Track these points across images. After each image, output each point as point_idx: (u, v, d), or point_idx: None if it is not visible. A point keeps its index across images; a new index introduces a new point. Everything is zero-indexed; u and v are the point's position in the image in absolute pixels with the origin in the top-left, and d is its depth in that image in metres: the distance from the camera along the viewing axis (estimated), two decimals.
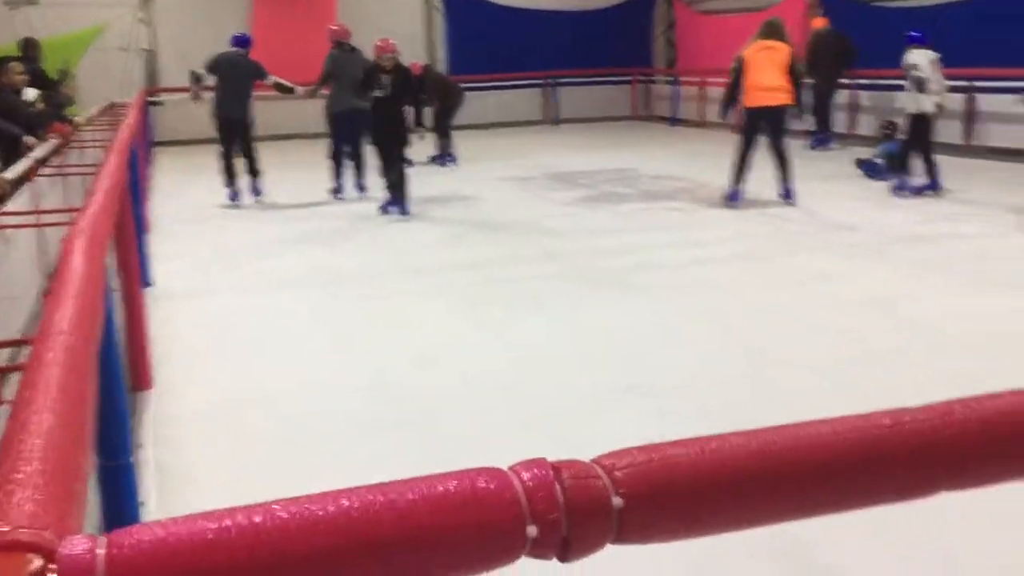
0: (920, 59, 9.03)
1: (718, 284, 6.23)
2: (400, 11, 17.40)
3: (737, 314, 5.59)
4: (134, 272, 4.56)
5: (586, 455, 0.96)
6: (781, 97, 8.80)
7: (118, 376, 2.37)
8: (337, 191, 10.20)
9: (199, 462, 3.70)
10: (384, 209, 9.08)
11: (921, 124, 9.02)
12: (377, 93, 8.78)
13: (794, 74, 8.86)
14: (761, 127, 8.89)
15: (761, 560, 2.81)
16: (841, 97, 13.85)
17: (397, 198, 8.98)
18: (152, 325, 5.07)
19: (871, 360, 4.70)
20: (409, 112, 9.00)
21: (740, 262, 6.89)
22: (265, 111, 16.30)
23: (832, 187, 10.05)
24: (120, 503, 2.40)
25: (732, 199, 9.01)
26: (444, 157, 12.90)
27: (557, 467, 0.89)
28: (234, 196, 10.01)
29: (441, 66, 18.15)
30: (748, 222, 8.35)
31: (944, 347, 4.92)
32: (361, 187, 10.18)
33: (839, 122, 13.92)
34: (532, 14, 18.27)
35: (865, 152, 11.12)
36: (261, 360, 4.98)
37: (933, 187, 9.15)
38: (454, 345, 5.15)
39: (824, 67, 13.02)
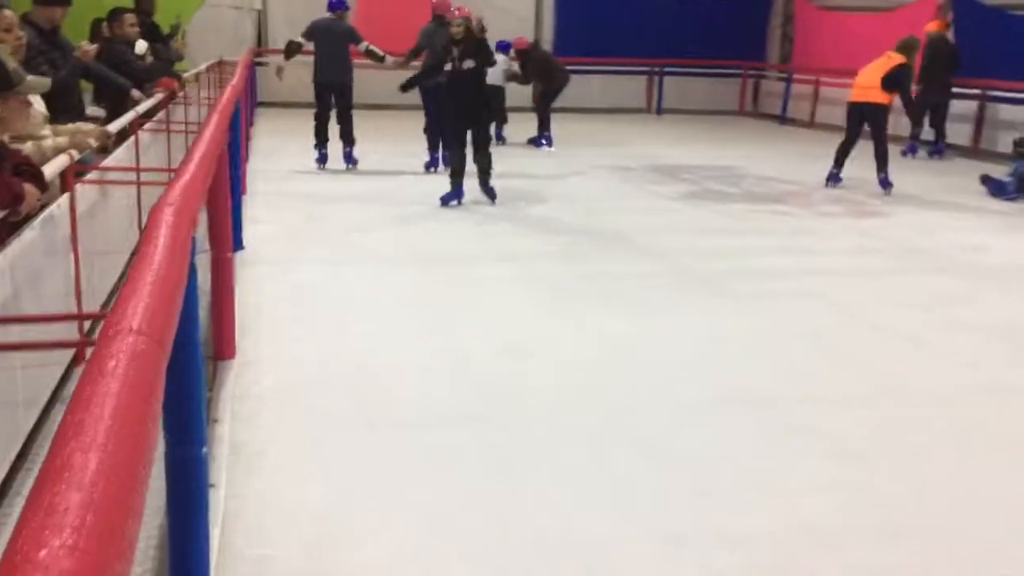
0: None
1: (827, 298, 5.85)
2: None
3: (847, 333, 5.23)
4: (226, 237, 4.45)
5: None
6: (872, 95, 9.53)
7: (197, 362, 2.20)
8: (432, 165, 10.14)
9: (274, 442, 3.56)
10: (446, 201, 8.29)
11: None
12: (447, 67, 8.23)
13: (892, 79, 9.42)
14: (859, 121, 9.75)
15: None
16: (964, 108, 13.12)
17: (486, 185, 8.38)
18: (239, 291, 4.99)
19: (996, 394, 4.32)
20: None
21: (852, 276, 6.48)
22: (366, 80, 16.43)
23: (954, 202, 9.47)
24: (188, 489, 2.25)
25: (829, 181, 10.03)
26: (541, 139, 12.65)
27: None
28: (323, 159, 10.05)
29: (548, 46, 17.89)
30: (862, 234, 7.90)
31: None
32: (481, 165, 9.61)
33: (961, 134, 13.20)
34: None
35: (989, 167, 10.48)
36: (345, 336, 4.84)
37: None
38: (543, 338, 4.92)
39: (935, 74, 12.38)
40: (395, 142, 11.98)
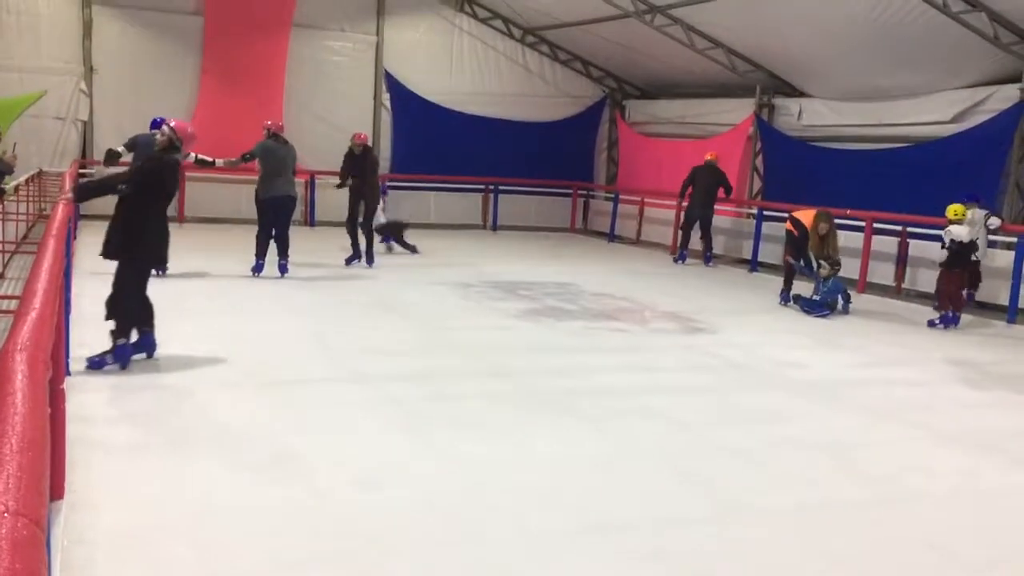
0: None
1: (668, 416, 6.05)
2: (347, 105, 17.40)
3: (689, 451, 5.41)
4: (60, 366, 4.17)
5: None
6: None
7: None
8: (257, 269, 10.85)
9: None
10: (348, 262, 11.72)
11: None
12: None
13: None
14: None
15: None
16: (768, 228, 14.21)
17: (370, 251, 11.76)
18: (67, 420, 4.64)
19: (829, 510, 4.55)
20: None
21: (689, 394, 6.75)
22: (199, 193, 16.12)
23: (771, 318, 10.12)
24: None
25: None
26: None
27: None
28: None
29: (385, 164, 18.15)
30: (693, 351, 8.27)
31: (900, 503, 4.80)
32: (283, 268, 10.83)
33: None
34: (478, 120, 18.47)
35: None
36: (185, 472, 4.57)
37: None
38: (397, 466, 4.83)
39: (703, 194, 14.62)
40: (226, 253, 11.72)
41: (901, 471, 5.28)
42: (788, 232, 10.89)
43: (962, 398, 7.09)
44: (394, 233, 14.29)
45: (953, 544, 4.27)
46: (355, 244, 12.16)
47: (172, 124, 6.74)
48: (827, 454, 5.46)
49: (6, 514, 1.20)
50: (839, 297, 10.49)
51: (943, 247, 10.04)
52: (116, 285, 6.29)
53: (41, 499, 1.34)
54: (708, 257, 14.82)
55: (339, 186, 12.38)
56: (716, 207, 15.19)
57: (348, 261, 12.16)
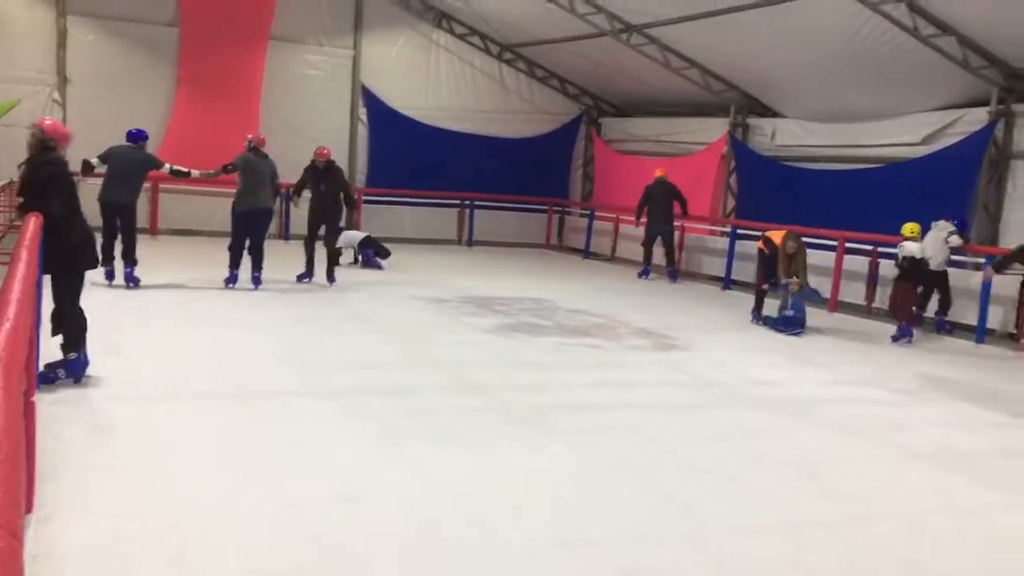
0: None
1: (642, 433, 6.08)
2: (324, 119, 17.40)
3: (662, 467, 5.43)
4: (32, 377, 4.12)
5: None
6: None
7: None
8: (231, 280, 10.93)
9: None
10: (300, 279, 11.53)
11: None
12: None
13: None
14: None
15: None
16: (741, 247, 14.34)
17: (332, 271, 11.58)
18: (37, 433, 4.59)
19: (801, 530, 4.58)
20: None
21: (663, 410, 6.78)
22: (173, 205, 16.02)
23: (742, 335, 10.20)
24: None
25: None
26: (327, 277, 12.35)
27: None
28: (109, 276, 10.43)
29: (361, 177, 18.15)
30: (667, 367, 8.32)
31: (872, 520, 4.84)
32: (257, 280, 10.92)
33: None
34: (455, 136, 18.53)
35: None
36: (157, 485, 4.53)
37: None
38: (374, 480, 4.81)
39: (658, 209, 14.91)
40: (197, 264, 11.66)
41: (872, 489, 5.33)
42: (760, 251, 11.01)
43: (932, 416, 7.17)
44: (375, 247, 14.29)
45: (925, 562, 4.31)
46: (309, 262, 11.78)
47: (43, 124, 6.32)
48: (799, 471, 5.50)
49: None
50: (809, 300, 10.78)
51: (896, 264, 10.53)
52: (55, 299, 6.13)
53: (18, 511, 1.33)
54: (672, 272, 15.05)
55: (293, 202, 12.43)
56: (691, 225, 15.33)
57: (299, 278, 11.81)
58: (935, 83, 12.22)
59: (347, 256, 14.04)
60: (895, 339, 10.32)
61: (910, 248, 10.30)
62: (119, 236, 10.37)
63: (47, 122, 6.43)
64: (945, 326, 11.12)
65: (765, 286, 10.92)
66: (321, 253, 11.82)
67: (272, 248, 11.74)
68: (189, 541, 3.90)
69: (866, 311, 12.30)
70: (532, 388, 7.15)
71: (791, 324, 10.43)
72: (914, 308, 10.71)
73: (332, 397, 6.51)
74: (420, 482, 4.86)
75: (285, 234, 16.39)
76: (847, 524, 4.73)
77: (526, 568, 3.88)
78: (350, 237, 14.13)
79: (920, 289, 10.74)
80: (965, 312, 11.07)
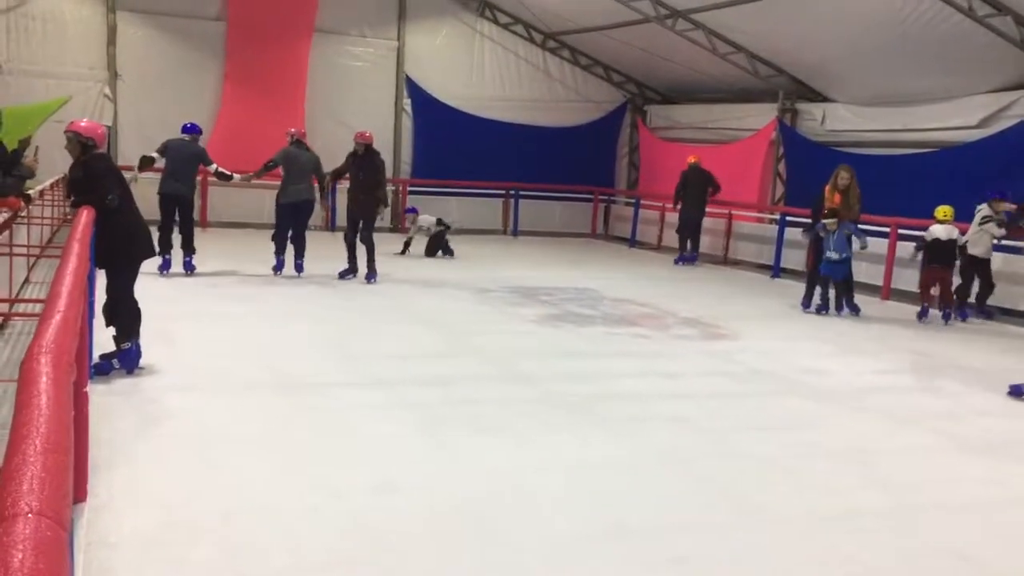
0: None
1: (691, 423, 6.02)
2: (368, 110, 17.45)
3: (710, 457, 5.37)
4: (84, 368, 4.19)
5: None
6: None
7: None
8: (278, 267, 11.31)
9: None
10: (342, 276, 11.26)
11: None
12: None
13: None
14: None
15: None
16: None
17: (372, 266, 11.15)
18: (90, 423, 4.68)
19: (853, 520, 4.50)
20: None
21: (711, 400, 6.70)
22: (222, 197, 16.24)
23: (789, 325, 10.06)
24: None
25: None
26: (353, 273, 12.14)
27: None
28: (165, 266, 10.74)
29: (407, 168, 18.22)
30: (715, 357, 8.23)
31: (925, 510, 4.74)
32: (300, 267, 11.27)
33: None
34: (499, 125, 18.49)
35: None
36: (208, 474, 4.59)
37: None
38: (417, 472, 4.82)
39: (693, 195, 15.09)
40: (249, 256, 11.83)
41: (925, 479, 5.22)
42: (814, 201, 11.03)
43: (985, 406, 7.00)
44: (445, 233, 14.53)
45: (983, 554, 4.20)
46: (351, 258, 11.32)
47: (79, 126, 6.33)
48: (849, 461, 5.40)
49: (30, 515, 1.20)
50: (843, 302, 10.62)
51: (916, 246, 10.67)
52: (108, 291, 6.26)
53: (65, 500, 1.34)
54: (693, 257, 15.27)
55: (321, 189, 11.30)
56: (738, 213, 15.16)
57: (342, 275, 11.33)
58: (991, 64, 11.90)
59: (419, 243, 14.24)
60: (919, 317, 10.56)
61: (934, 231, 10.42)
62: (175, 227, 10.85)
63: (83, 123, 6.50)
64: (986, 311, 10.83)
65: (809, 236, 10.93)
66: (362, 248, 11.33)
67: (318, 239, 11.85)
68: (237, 530, 3.94)
69: (919, 298, 12.04)
70: (578, 378, 7.11)
71: (834, 270, 10.35)
72: (955, 295, 10.57)
73: (377, 387, 6.54)
74: (464, 472, 4.86)
75: (331, 226, 16.51)
76: (900, 514, 4.64)
77: (573, 558, 3.86)
78: (426, 222, 14.42)
79: (955, 273, 10.56)
80: (1018, 299, 10.80)
